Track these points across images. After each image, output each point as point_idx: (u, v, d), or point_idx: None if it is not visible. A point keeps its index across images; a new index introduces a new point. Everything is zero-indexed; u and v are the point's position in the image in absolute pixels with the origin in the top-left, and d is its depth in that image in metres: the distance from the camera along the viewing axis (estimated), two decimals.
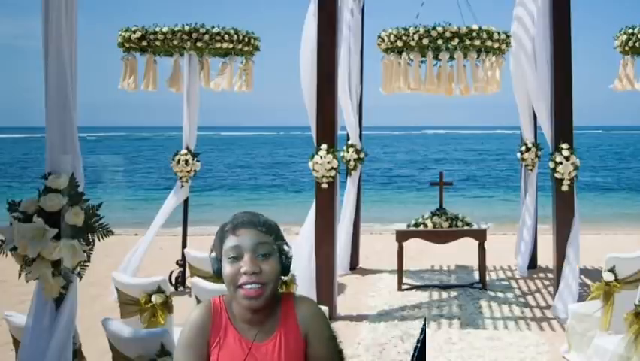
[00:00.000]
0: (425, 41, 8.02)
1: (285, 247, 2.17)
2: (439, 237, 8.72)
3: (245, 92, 9.01)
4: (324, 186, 7.41)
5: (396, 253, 8.67)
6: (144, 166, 41.39)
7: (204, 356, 2.10)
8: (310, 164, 7.44)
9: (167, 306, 5.12)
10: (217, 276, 2.15)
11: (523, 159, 9.97)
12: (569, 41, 7.34)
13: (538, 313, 7.61)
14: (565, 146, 7.28)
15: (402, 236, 8.70)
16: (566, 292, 7.18)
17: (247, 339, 2.11)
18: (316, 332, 2.14)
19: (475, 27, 8.07)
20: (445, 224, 8.79)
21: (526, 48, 8.27)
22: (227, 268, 2.08)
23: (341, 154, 8.96)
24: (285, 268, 2.15)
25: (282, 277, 2.19)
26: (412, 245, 9.15)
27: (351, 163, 9.69)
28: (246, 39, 8.66)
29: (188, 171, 8.83)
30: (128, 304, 5.26)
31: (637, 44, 8.63)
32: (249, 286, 2.05)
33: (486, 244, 8.66)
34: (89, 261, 3.57)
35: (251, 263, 2.05)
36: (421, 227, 8.79)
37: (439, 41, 8.00)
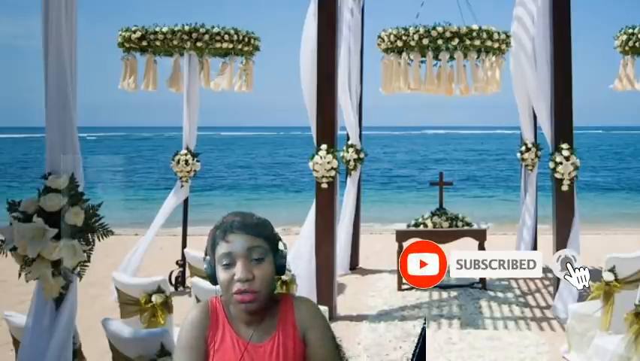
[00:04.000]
0: (425, 41, 8.03)
1: (280, 245, 2.12)
2: (439, 237, 8.69)
3: (245, 92, 9.01)
4: (324, 186, 7.41)
5: (396, 253, 8.67)
6: (144, 166, 41.36)
7: (203, 356, 2.08)
8: (310, 164, 7.44)
9: (167, 306, 5.13)
10: (211, 280, 2.13)
11: (523, 159, 9.97)
12: (569, 41, 7.34)
13: (538, 313, 7.61)
14: (565, 146, 7.28)
15: (402, 236, 8.70)
16: (566, 292, 7.18)
17: (244, 340, 2.09)
18: (315, 332, 2.11)
19: (475, 27, 8.08)
20: (445, 224, 8.80)
21: (526, 48, 8.26)
22: (221, 275, 2.06)
23: (341, 154, 8.96)
24: (280, 267, 2.11)
25: (282, 277, 2.16)
26: None
27: (351, 163, 9.69)
28: (246, 39, 8.66)
29: (188, 171, 8.83)
30: (128, 304, 5.26)
31: (637, 44, 8.63)
32: (242, 293, 2.03)
33: (486, 244, 8.66)
34: (89, 261, 3.57)
35: (244, 270, 2.02)
36: (421, 227, 8.80)
37: (439, 41, 8.01)
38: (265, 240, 2.08)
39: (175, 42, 8.35)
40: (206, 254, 2.15)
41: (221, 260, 2.05)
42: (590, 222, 13.75)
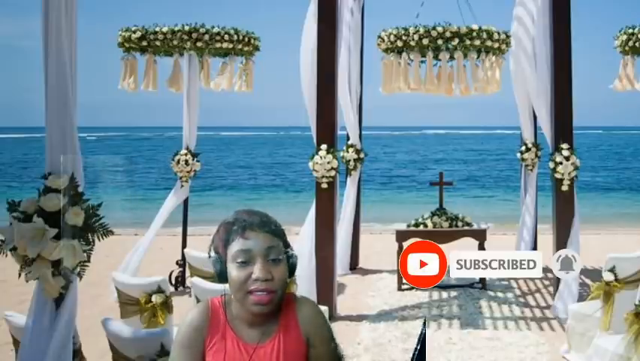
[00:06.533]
0: (425, 41, 8.03)
1: (290, 249, 2.12)
2: (439, 237, 8.70)
3: (245, 92, 9.01)
4: (324, 186, 7.41)
5: (396, 253, 8.67)
6: (144, 166, 41.34)
7: (200, 357, 2.06)
8: (310, 164, 7.44)
9: (167, 306, 5.13)
10: (219, 278, 2.08)
11: (523, 159, 9.97)
12: (569, 41, 7.34)
13: (538, 313, 7.61)
14: (565, 146, 7.28)
15: (402, 236, 8.70)
16: (566, 292, 7.19)
17: (245, 341, 2.07)
18: (318, 333, 2.11)
19: (475, 27, 8.08)
20: (445, 224, 8.80)
21: (526, 48, 8.27)
22: (234, 273, 2.01)
23: (341, 154, 8.95)
24: (291, 270, 2.10)
25: None
26: None
27: (351, 163, 9.69)
28: (246, 39, 8.66)
29: (188, 171, 8.83)
30: (128, 304, 5.26)
31: (637, 44, 8.62)
32: (260, 293, 2.00)
33: (486, 244, 8.66)
34: (89, 261, 3.57)
35: (263, 269, 2.00)
36: (421, 227, 8.80)
37: (439, 41, 8.01)
38: (281, 240, 2.07)
39: (175, 42, 8.35)
40: (211, 250, 2.09)
41: (237, 257, 2.01)
42: (590, 222, 13.75)
